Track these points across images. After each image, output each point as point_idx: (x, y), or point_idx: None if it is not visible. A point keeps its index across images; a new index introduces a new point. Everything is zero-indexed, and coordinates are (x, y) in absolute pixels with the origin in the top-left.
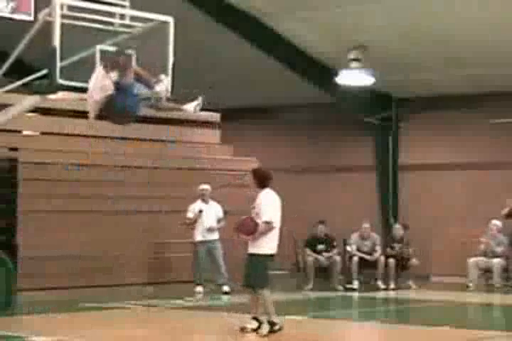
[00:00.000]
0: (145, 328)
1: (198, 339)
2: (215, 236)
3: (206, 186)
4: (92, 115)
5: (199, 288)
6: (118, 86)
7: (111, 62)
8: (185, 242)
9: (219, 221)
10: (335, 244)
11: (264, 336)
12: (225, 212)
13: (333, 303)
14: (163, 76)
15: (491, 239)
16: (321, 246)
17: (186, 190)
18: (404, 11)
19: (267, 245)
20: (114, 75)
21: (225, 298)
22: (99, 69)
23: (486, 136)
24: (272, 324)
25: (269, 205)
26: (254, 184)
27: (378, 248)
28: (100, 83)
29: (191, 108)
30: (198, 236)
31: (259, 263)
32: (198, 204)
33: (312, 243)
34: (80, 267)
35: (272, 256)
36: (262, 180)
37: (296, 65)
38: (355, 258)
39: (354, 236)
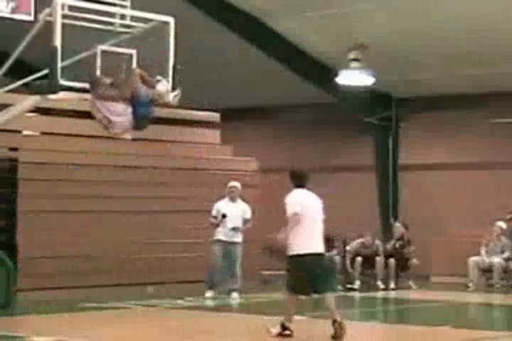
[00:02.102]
0: (145, 328)
1: (198, 340)
2: (238, 238)
3: (236, 183)
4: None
5: (209, 293)
6: (133, 101)
7: (105, 87)
8: (185, 242)
9: (245, 222)
10: (335, 244)
11: (272, 336)
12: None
13: None
14: (159, 77)
15: (495, 240)
16: None
17: (186, 190)
18: (404, 11)
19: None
20: (116, 93)
21: (232, 301)
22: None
23: (486, 136)
24: (283, 327)
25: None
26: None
27: (380, 252)
28: (115, 111)
29: (170, 98)
30: (219, 234)
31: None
32: (224, 203)
33: None
34: (80, 267)
35: (298, 256)
36: (291, 180)
37: (296, 65)
38: (359, 259)
39: (354, 244)
